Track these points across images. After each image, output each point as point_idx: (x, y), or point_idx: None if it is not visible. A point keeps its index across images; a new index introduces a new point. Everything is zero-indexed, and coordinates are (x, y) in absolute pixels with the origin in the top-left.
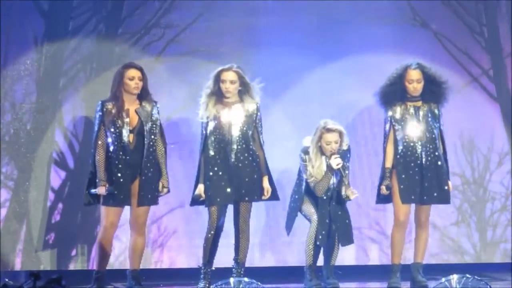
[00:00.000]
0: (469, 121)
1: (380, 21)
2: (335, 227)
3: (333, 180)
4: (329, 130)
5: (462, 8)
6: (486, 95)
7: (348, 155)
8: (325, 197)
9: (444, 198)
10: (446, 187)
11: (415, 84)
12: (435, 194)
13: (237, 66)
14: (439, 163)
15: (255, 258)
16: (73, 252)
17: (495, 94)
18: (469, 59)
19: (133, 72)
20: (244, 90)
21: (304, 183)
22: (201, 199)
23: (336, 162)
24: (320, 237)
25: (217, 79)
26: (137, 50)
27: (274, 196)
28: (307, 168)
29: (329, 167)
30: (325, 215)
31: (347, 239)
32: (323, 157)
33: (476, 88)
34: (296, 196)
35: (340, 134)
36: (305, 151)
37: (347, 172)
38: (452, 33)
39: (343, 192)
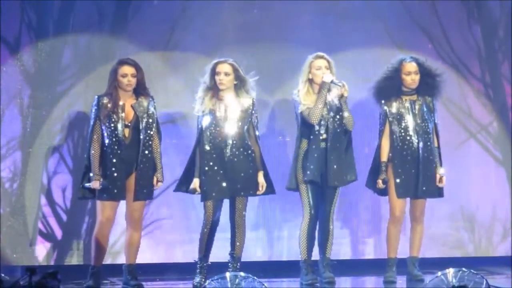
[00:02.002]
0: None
1: (375, 16)
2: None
3: (328, 112)
4: (317, 57)
5: (467, 71)
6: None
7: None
8: (322, 146)
9: (438, 192)
10: (442, 181)
11: (412, 75)
12: (429, 188)
13: (232, 60)
14: (434, 157)
15: (251, 253)
16: (69, 247)
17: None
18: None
19: (126, 69)
20: (239, 85)
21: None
22: (197, 193)
23: (328, 76)
24: (308, 172)
25: (213, 72)
26: (134, 44)
27: (271, 190)
28: (301, 103)
29: (323, 85)
30: (320, 157)
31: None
32: (315, 91)
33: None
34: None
35: (328, 62)
36: (298, 90)
37: (343, 82)
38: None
39: (338, 92)
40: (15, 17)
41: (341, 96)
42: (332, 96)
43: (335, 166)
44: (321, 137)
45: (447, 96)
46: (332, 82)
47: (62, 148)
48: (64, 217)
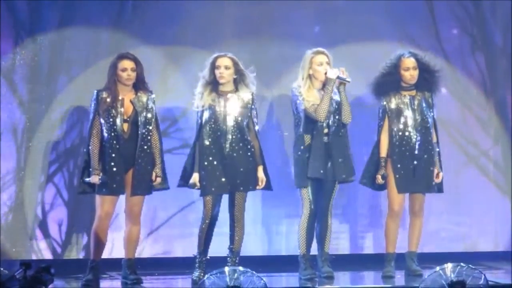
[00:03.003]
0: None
1: (373, 10)
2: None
3: (333, 104)
4: (318, 52)
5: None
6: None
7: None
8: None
9: (437, 187)
10: (438, 177)
11: (411, 71)
12: (429, 183)
13: (231, 54)
14: (433, 152)
15: (250, 247)
16: (69, 241)
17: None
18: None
19: (125, 64)
20: (239, 79)
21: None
22: (196, 187)
23: (334, 72)
24: (312, 168)
25: (212, 66)
26: (133, 39)
27: (268, 186)
28: (304, 100)
29: (328, 81)
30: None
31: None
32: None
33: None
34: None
35: (328, 57)
36: (298, 86)
37: (348, 80)
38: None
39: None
40: (14, 12)
41: (340, 84)
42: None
43: (340, 160)
44: (324, 132)
45: (450, 123)
46: (338, 77)
47: (62, 142)
48: (63, 211)
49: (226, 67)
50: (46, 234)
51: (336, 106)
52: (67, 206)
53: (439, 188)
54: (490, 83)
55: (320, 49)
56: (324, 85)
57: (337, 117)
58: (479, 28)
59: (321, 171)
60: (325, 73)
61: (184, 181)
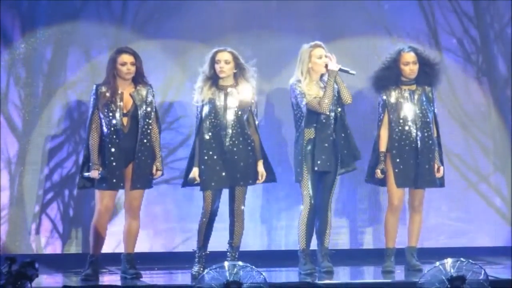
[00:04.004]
0: None
1: (375, 4)
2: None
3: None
4: (316, 46)
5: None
6: None
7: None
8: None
9: (438, 182)
10: (439, 171)
11: (411, 65)
12: (429, 178)
13: (231, 48)
14: (433, 147)
15: (250, 242)
16: (68, 236)
17: None
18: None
19: (125, 58)
20: (239, 73)
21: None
22: (196, 182)
23: (334, 64)
24: (318, 162)
25: (212, 61)
26: (132, 32)
27: (272, 178)
28: (306, 94)
29: (330, 73)
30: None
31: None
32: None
33: None
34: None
35: (325, 49)
36: (297, 81)
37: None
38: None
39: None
40: (13, 6)
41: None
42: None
43: (345, 151)
44: (327, 124)
45: (454, 152)
46: (340, 69)
47: (61, 137)
48: (63, 206)
49: (226, 62)
50: (46, 229)
51: (336, 95)
52: (67, 201)
53: (441, 183)
54: (494, 109)
55: (318, 42)
56: (322, 77)
57: (339, 109)
58: (484, 56)
59: (328, 164)
60: (326, 66)
61: (186, 178)
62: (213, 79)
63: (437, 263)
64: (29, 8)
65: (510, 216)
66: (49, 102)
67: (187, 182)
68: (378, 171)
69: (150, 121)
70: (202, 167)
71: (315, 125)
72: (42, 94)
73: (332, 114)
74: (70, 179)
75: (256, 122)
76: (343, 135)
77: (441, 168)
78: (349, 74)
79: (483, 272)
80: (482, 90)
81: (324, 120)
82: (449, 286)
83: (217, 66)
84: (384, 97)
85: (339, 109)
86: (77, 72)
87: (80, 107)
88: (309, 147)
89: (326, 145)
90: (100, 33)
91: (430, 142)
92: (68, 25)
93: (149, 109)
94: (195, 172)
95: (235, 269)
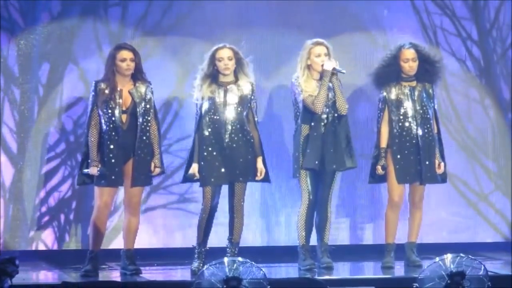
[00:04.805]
0: None
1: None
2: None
3: (330, 95)
4: (317, 43)
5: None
6: None
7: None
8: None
9: (439, 178)
10: (440, 167)
11: (410, 62)
12: (429, 174)
13: (230, 44)
14: (434, 143)
15: (249, 238)
16: (67, 232)
17: None
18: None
19: (124, 54)
20: (239, 68)
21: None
22: (195, 178)
23: (330, 63)
24: (306, 159)
25: (213, 59)
26: (131, 29)
27: (266, 178)
28: (302, 91)
29: (324, 73)
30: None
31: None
32: (314, 77)
33: None
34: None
35: (327, 48)
36: (297, 77)
37: (343, 71)
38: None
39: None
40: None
41: (332, 75)
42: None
43: (332, 150)
44: (322, 123)
45: (459, 178)
46: (334, 69)
47: (61, 133)
48: (62, 202)
49: (229, 58)
50: (45, 225)
51: (334, 99)
52: (66, 197)
53: (443, 179)
54: (498, 136)
55: (320, 40)
56: (321, 76)
57: (333, 107)
58: (487, 81)
59: (316, 162)
60: (322, 65)
61: (187, 174)
62: (213, 76)
63: (437, 259)
64: (27, 4)
65: (510, 212)
66: (48, 98)
67: (187, 178)
68: (379, 167)
69: (149, 118)
70: (202, 163)
71: (310, 122)
72: (41, 90)
73: (324, 116)
74: (69, 176)
75: (256, 119)
76: (332, 136)
77: (442, 164)
78: (341, 72)
79: (482, 267)
80: (486, 114)
81: (318, 118)
82: (449, 281)
83: (220, 64)
84: (384, 94)
85: (333, 112)
86: (76, 68)
87: (79, 103)
88: (305, 144)
89: (317, 142)
90: (98, 30)
91: (431, 138)
92: (65, 21)
93: (148, 106)
94: (194, 168)
95: (235, 265)
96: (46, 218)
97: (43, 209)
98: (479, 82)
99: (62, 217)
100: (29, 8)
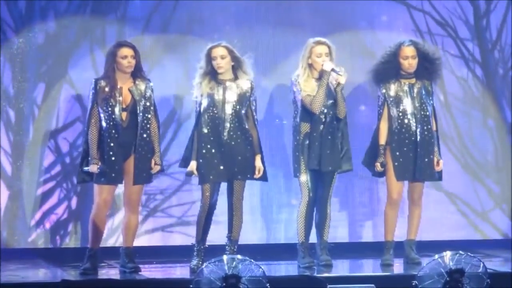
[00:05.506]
0: None
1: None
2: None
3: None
4: (319, 43)
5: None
6: None
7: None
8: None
9: (437, 175)
10: (439, 165)
11: (410, 60)
12: (428, 172)
13: (225, 42)
14: (433, 140)
15: (248, 236)
16: (67, 230)
17: None
18: None
19: (125, 51)
20: (237, 66)
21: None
22: (193, 175)
23: (328, 64)
24: (315, 161)
25: (208, 57)
26: (130, 27)
27: (263, 177)
28: (302, 90)
29: (323, 73)
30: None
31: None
32: (314, 76)
33: None
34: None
35: (329, 47)
36: (297, 76)
37: (343, 69)
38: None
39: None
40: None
41: (337, 84)
42: (330, 80)
43: (328, 151)
44: (320, 123)
45: (460, 198)
46: (332, 70)
47: (60, 131)
48: (62, 200)
49: (222, 57)
50: (45, 223)
51: (333, 101)
52: (66, 195)
53: (440, 176)
54: (501, 155)
55: (322, 39)
56: (321, 76)
57: (332, 108)
58: (490, 100)
59: (315, 162)
60: (322, 65)
61: (185, 162)
62: (211, 74)
63: (436, 256)
64: (26, 2)
65: (510, 209)
66: (47, 96)
67: (184, 165)
68: (378, 164)
69: (149, 116)
70: (201, 160)
71: (310, 120)
72: (41, 88)
73: (322, 116)
74: (69, 173)
75: (255, 116)
76: (329, 137)
77: (441, 161)
78: (339, 75)
79: (482, 265)
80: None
81: (317, 118)
82: (448, 279)
83: (214, 63)
84: (384, 91)
85: (332, 113)
86: (75, 66)
87: (78, 101)
88: (306, 142)
89: (317, 142)
90: (97, 27)
91: (430, 135)
92: (64, 20)
93: (148, 103)
94: (193, 166)
95: (234, 263)
96: (45, 216)
97: (42, 207)
98: (482, 102)
99: (61, 215)
100: (24, 28)
